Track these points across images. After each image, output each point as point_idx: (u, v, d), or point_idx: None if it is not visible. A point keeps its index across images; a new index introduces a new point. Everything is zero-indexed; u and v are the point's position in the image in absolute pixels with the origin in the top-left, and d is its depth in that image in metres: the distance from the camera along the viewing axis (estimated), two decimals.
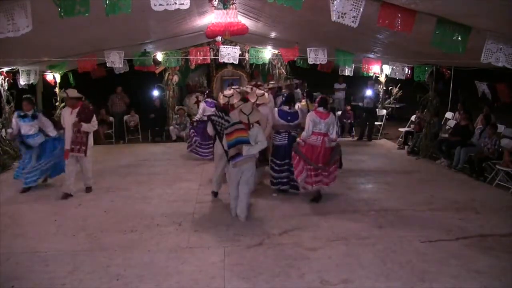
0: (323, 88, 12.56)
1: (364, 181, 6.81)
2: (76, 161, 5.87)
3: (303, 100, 6.92)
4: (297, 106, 6.50)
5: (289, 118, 5.74)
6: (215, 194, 5.88)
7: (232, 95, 6.22)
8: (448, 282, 3.55)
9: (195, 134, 8.02)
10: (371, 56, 8.75)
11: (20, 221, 4.99)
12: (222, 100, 6.34)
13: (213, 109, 6.90)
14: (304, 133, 5.38)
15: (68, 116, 5.74)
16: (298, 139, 5.48)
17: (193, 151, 8.16)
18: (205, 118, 6.91)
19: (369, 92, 10.39)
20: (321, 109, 5.41)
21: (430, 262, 3.89)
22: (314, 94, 7.05)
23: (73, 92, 5.91)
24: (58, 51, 7.37)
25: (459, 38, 3.83)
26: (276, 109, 6.07)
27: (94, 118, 5.86)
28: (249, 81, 12.57)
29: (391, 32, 3.97)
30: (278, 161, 5.85)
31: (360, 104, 11.11)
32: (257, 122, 5.02)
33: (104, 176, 7.13)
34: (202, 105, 8.09)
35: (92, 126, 5.84)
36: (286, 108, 5.83)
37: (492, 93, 8.16)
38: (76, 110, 5.72)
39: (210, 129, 5.47)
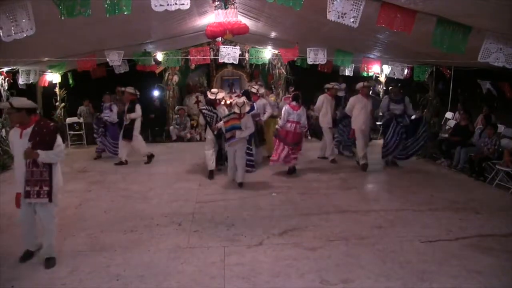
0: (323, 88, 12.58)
1: (364, 181, 6.80)
2: (33, 210, 3.85)
3: (271, 95, 9.67)
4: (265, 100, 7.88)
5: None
6: (211, 172, 6.92)
7: (218, 92, 7.16)
8: (448, 282, 3.55)
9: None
10: (371, 56, 8.75)
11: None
12: (210, 96, 7.06)
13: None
14: (280, 122, 7.01)
15: (17, 141, 3.72)
16: (277, 126, 7.15)
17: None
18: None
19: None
20: (293, 103, 6.95)
21: (430, 262, 3.89)
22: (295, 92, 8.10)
23: (20, 102, 3.74)
24: (58, 51, 7.38)
25: (459, 38, 3.83)
26: None
27: (59, 141, 3.76)
28: (249, 81, 12.61)
29: (391, 32, 3.97)
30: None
31: None
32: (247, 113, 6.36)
33: (104, 176, 7.14)
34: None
35: (55, 154, 3.71)
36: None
37: (496, 90, 8.18)
38: (29, 130, 3.68)
39: (201, 120, 7.05)
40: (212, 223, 4.93)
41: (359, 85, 7.53)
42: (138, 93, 7.97)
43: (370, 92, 8.17)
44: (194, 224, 4.91)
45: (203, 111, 6.85)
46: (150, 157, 8.23)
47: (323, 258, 4.00)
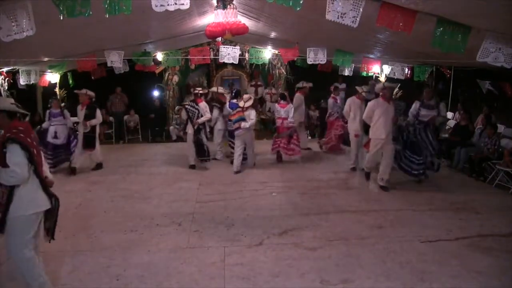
0: (323, 88, 12.56)
1: (364, 181, 6.80)
2: None
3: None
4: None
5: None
6: (192, 166, 7.54)
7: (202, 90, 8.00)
8: (448, 282, 3.55)
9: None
10: (371, 56, 8.75)
11: None
12: (194, 92, 7.77)
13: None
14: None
15: None
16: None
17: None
18: None
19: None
20: (281, 101, 7.77)
21: (430, 262, 3.89)
22: (283, 92, 8.77)
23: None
24: (58, 51, 7.37)
25: (459, 38, 3.83)
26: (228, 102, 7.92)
27: (16, 159, 2.88)
28: (249, 81, 12.63)
29: (391, 32, 3.97)
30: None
31: None
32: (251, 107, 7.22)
33: (104, 176, 7.14)
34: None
35: (6, 174, 2.87)
36: (233, 101, 7.73)
37: (497, 90, 8.17)
38: None
39: (184, 115, 7.51)
40: (212, 223, 4.93)
41: (379, 86, 6.54)
42: (93, 94, 7.38)
43: (365, 95, 7.46)
44: (194, 224, 4.91)
45: (187, 106, 7.40)
46: (99, 165, 7.63)
47: (323, 258, 4.01)
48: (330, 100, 8.82)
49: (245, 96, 7.30)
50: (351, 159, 7.45)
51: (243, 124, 6.94)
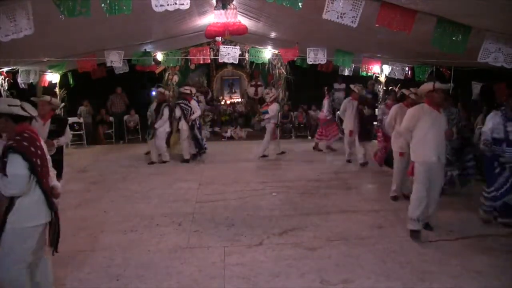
0: (322, 88, 12.56)
1: (364, 181, 6.80)
2: None
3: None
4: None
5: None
6: (187, 161, 8.14)
7: (191, 89, 8.49)
8: (448, 282, 3.55)
9: None
10: (371, 56, 8.75)
11: None
12: (185, 91, 8.22)
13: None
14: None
15: None
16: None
17: None
18: None
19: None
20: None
21: (430, 262, 3.89)
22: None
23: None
24: (58, 51, 7.37)
25: (459, 38, 3.82)
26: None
27: (14, 170, 2.71)
28: (249, 81, 12.63)
29: (391, 32, 3.96)
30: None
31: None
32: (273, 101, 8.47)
33: (104, 176, 7.14)
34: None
35: (3, 184, 2.72)
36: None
37: (487, 94, 8.14)
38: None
39: (178, 112, 8.00)
40: (212, 223, 4.93)
41: (425, 87, 4.59)
42: (58, 103, 5.63)
43: (357, 90, 7.92)
44: (194, 224, 4.91)
45: (181, 104, 8.03)
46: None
47: (323, 258, 4.01)
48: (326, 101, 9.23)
49: (270, 94, 8.80)
50: (393, 184, 5.80)
51: (266, 116, 8.41)
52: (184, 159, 8.14)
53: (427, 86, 4.56)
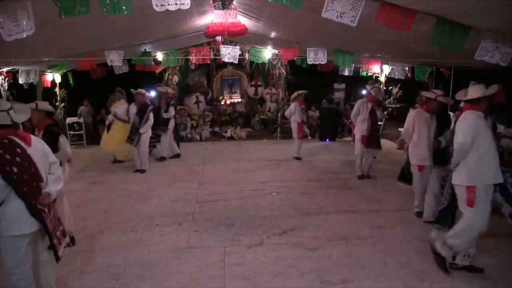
0: (323, 88, 12.56)
1: (364, 181, 6.80)
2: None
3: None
4: None
5: None
6: (178, 155, 8.59)
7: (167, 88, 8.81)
8: (448, 282, 3.55)
9: None
10: (371, 56, 8.75)
11: None
12: (161, 90, 8.55)
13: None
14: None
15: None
16: None
17: None
18: None
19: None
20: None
21: (430, 262, 3.88)
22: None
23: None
24: (58, 51, 7.37)
25: (458, 37, 3.83)
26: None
27: None
28: (249, 81, 12.64)
29: (391, 31, 3.96)
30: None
31: None
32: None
33: (104, 176, 7.13)
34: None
35: None
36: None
37: None
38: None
39: (171, 111, 8.16)
40: (212, 223, 4.93)
41: (428, 94, 4.68)
42: (52, 110, 4.33)
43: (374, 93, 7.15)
44: (194, 224, 4.91)
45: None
46: None
47: (323, 258, 4.00)
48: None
49: (293, 96, 8.47)
50: (415, 199, 5.20)
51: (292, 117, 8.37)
52: (176, 154, 8.60)
53: (431, 94, 4.73)
